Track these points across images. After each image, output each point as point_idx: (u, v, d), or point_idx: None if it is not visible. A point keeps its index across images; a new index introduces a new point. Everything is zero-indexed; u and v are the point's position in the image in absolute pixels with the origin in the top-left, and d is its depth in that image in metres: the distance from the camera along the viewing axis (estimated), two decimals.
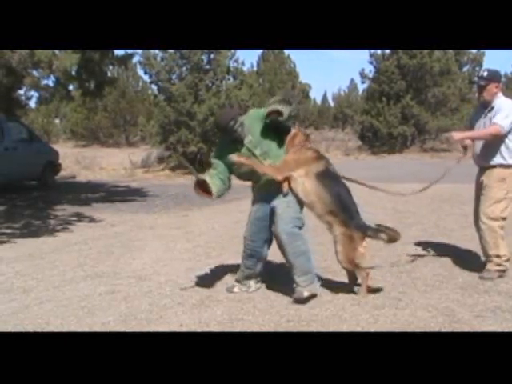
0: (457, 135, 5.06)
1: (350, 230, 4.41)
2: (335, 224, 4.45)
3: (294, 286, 4.46)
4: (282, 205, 4.43)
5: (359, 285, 4.60)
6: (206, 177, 4.43)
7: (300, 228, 4.48)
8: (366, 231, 4.49)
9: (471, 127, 5.19)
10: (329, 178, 4.44)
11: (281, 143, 4.51)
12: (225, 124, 4.42)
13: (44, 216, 9.38)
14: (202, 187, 4.42)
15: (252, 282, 4.78)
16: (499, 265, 4.91)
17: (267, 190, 4.50)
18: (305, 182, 4.40)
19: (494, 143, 4.87)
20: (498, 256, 4.90)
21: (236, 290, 4.75)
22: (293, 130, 4.55)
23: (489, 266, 4.97)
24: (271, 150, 4.47)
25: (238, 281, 4.80)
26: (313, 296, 4.44)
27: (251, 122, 4.48)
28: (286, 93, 5.22)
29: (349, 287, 4.67)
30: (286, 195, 4.44)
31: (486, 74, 4.95)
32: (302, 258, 4.44)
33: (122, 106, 30.63)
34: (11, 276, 5.52)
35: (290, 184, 4.44)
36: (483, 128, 4.95)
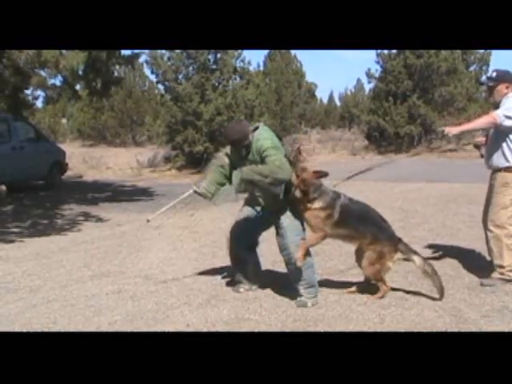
0: (453, 130, 4.86)
1: (380, 245, 4.44)
2: (364, 244, 4.48)
3: (298, 295, 4.44)
4: (289, 216, 4.40)
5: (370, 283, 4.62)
6: (208, 194, 4.61)
7: (305, 239, 4.47)
8: (397, 243, 4.53)
9: (486, 132, 5.08)
10: (347, 216, 4.41)
11: None
12: (229, 142, 4.48)
13: (51, 215, 9.41)
14: None
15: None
16: (502, 274, 4.78)
17: (265, 201, 4.46)
18: (328, 231, 4.41)
19: (498, 143, 4.75)
20: (501, 266, 4.77)
21: (242, 289, 4.76)
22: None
23: (493, 273, 4.87)
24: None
25: (239, 282, 4.82)
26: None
27: (254, 154, 4.34)
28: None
29: (356, 286, 4.68)
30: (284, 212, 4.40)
31: (494, 74, 4.84)
32: (310, 270, 4.43)
33: (128, 105, 30.61)
34: (18, 275, 5.54)
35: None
36: (494, 131, 4.81)
